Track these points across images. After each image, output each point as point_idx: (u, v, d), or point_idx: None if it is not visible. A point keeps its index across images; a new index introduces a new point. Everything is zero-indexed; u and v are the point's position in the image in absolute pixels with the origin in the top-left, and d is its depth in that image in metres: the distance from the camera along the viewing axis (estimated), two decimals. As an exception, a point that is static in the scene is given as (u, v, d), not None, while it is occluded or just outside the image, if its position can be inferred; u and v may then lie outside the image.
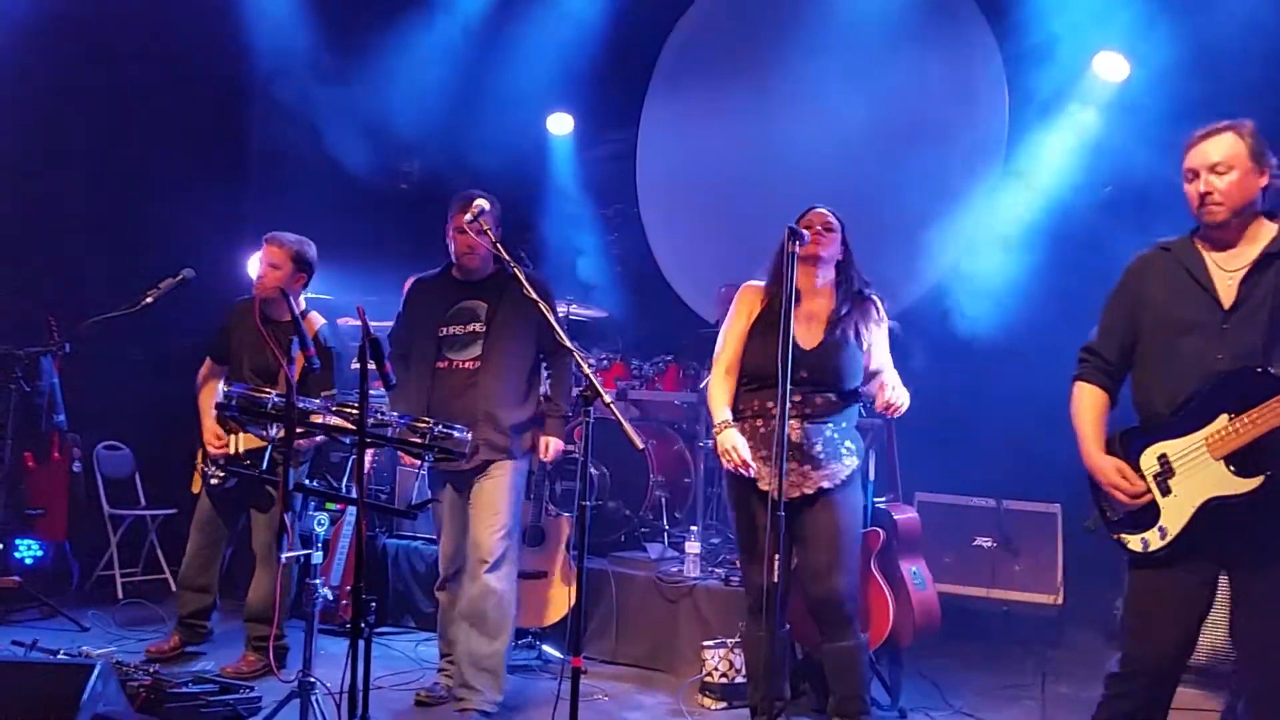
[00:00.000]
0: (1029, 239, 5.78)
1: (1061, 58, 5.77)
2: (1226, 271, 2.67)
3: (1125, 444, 2.77)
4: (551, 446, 4.00)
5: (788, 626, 3.60)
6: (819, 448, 3.38)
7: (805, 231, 3.34)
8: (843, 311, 3.52)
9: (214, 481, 4.36)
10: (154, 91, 6.19)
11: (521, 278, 3.30)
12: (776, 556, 3.07)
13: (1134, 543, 2.70)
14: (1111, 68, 5.76)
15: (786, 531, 3.37)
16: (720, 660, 4.20)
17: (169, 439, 5.43)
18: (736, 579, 4.69)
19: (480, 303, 3.95)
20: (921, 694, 4.36)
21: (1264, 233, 2.67)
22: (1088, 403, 2.86)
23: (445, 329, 3.94)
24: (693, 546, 4.89)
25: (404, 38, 7.20)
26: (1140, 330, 2.80)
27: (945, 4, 6.54)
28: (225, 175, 6.71)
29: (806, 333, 3.48)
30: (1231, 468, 2.54)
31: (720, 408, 3.51)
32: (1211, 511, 2.56)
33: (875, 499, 4.17)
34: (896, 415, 3.42)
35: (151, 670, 3.73)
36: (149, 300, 4.36)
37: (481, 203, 3.57)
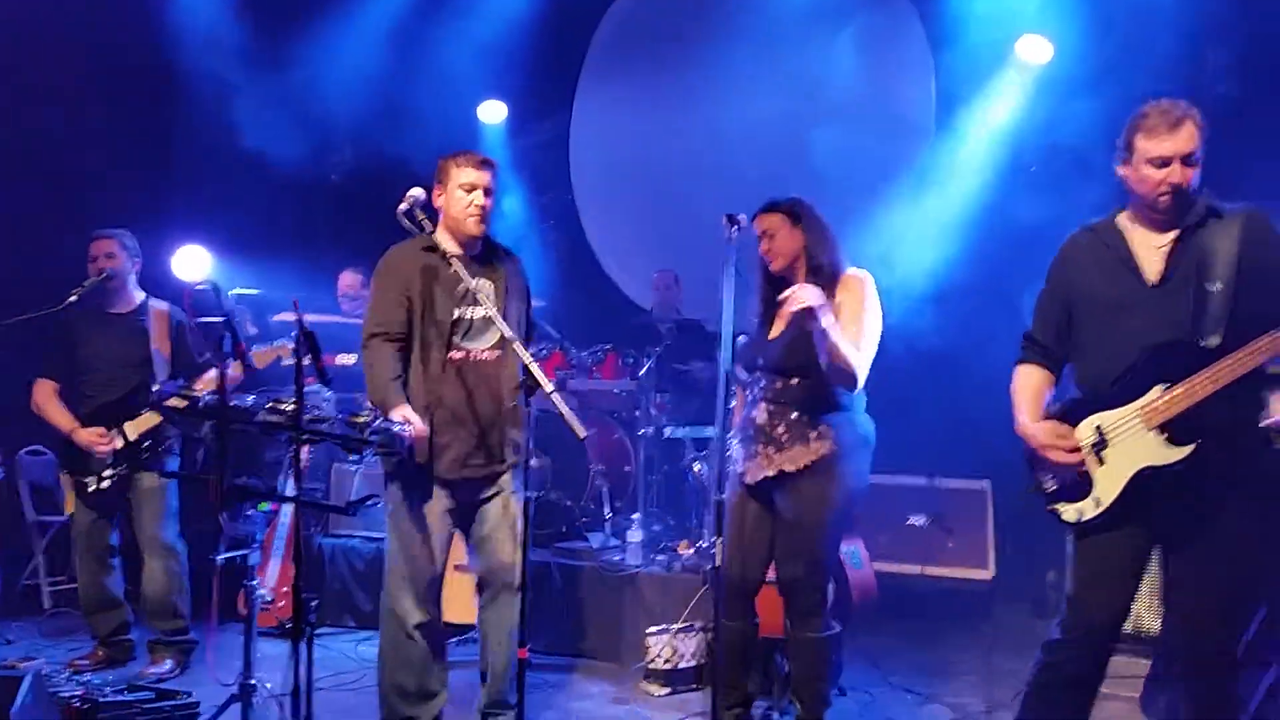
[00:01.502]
0: (957, 220, 5.91)
1: (985, 42, 5.90)
2: (1151, 248, 2.73)
3: (1061, 417, 2.81)
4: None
5: (757, 619, 3.57)
6: (780, 429, 3.37)
7: (743, 216, 3.35)
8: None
9: (105, 485, 4.29)
10: (72, 84, 6.00)
11: (513, 261, 3.35)
12: (719, 540, 3.10)
13: (1069, 513, 2.74)
14: (1034, 50, 5.91)
15: (766, 516, 3.42)
16: (664, 646, 4.24)
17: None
18: (679, 565, 4.73)
19: (487, 282, 3.45)
20: (861, 672, 4.45)
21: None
22: (1024, 380, 2.92)
23: (457, 312, 3.43)
24: (634, 535, 4.91)
25: (332, 26, 7.06)
26: (1073, 312, 2.86)
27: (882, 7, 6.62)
28: (148, 169, 6.53)
29: (780, 324, 3.46)
30: (1165, 437, 2.61)
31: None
32: (1145, 480, 2.62)
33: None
34: (790, 306, 3.20)
35: (83, 680, 3.64)
36: (72, 300, 4.23)
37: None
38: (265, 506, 4.92)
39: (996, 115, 5.99)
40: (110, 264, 4.36)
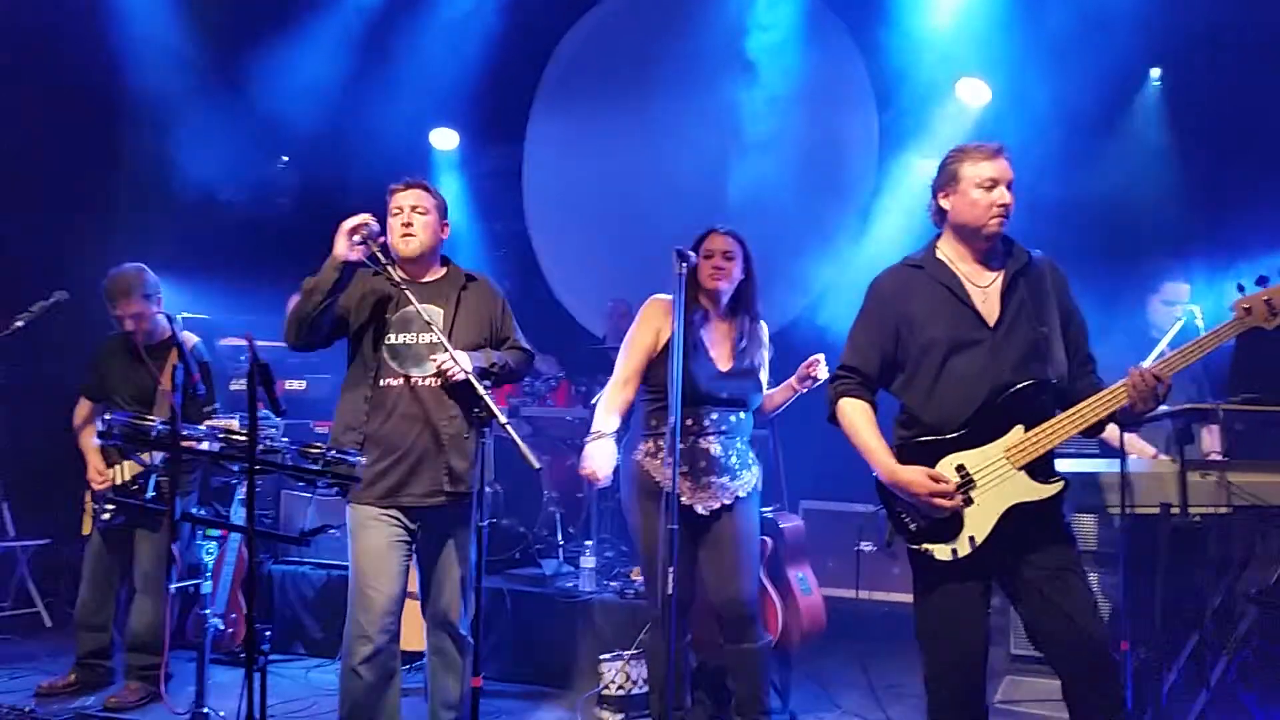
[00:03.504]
0: (899, 256, 6.06)
1: (925, 85, 6.09)
2: (979, 288, 2.81)
3: (906, 459, 2.77)
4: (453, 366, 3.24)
5: (689, 636, 3.69)
6: (733, 459, 3.57)
7: (692, 254, 3.40)
8: (743, 332, 3.63)
9: (105, 517, 4.27)
10: (20, 110, 5.93)
11: (483, 279, 3.35)
12: (671, 570, 3.15)
13: (943, 552, 2.72)
14: (973, 93, 6.11)
15: (692, 541, 3.50)
16: (617, 673, 4.26)
17: (39, 467, 5.21)
18: (631, 592, 4.77)
19: (434, 308, 3.36)
20: (811, 696, 4.52)
21: (1002, 248, 2.86)
22: (864, 417, 2.84)
23: (401, 338, 3.37)
24: (587, 561, 4.94)
25: (282, 52, 7.07)
26: (906, 348, 2.84)
27: (822, 39, 6.79)
28: (95, 194, 6.46)
29: (721, 356, 3.59)
30: (1030, 475, 2.70)
31: (603, 417, 3.53)
32: (1010, 517, 2.69)
33: (762, 508, 4.30)
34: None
35: (27, 710, 3.58)
36: (19, 324, 4.19)
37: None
38: (215, 532, 4.90)
39: (937, 156, 6.16)
40: (139, 325, 4.29)
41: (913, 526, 2.78)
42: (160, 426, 3.19)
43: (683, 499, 3.49)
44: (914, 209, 6.11)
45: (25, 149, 6.00)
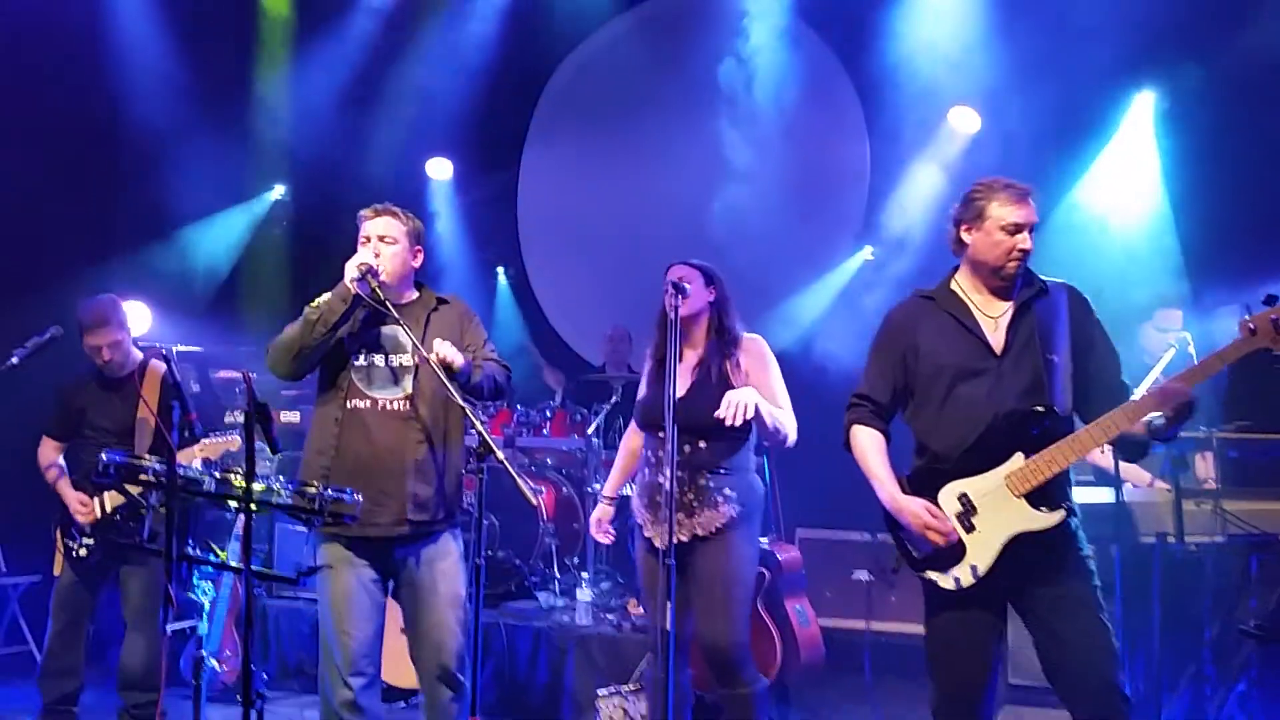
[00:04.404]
0: (891, 287, 6.12)
1: (919, 115, 6.15)
2: (990, 317, 2.85)
3: (916, 485, 2.83)
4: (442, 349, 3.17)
5: (690, 671, 3.63)
6: (690, 496, 3.41)
7: (686, 285, 3.43)
8: (709, 356, 3.53)
9: (82, 553, 4.21)
10: (14, 138, 5.94)
11: (455, 300, 3.32)
12: (669, 604, 3.14)
13: (946, 581, 2.75)
14: (964, 121, 6.17)
15: (680, 577, 3.46)
16: (614, 708, 4.24)
17: (30, 503, 5.17)
18: (629, 625, 4.75)
19: (399, 330, 3.28)
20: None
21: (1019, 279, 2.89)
22: (873, 445, 2.91)
23: (360, 358, 3.32)
24: (584, 593, 4.92)
25: (280, 80, 7.12)
26: (914, 377, 2.89)
27: (820, 77, 6.87)
28: (90, 224, 6.47)
29: (683, 381, 3.50)
30: (1031, 503, 2.70)
31: (611, 478, 3.88)
32: (1014, 545, 2.70)
33: (759, 539, 4.29)
34: (736, 420, 3.24)
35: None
36: (14, 361, 4.18)
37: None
38: (210, 570, 4.87)
39: (928, 183, 6.23)
40: (115, 354, 4.23)
41: (916, 554, 2.82)
42: (156, 466, 3.20)
43: (645, 531, 3.52)
44: (906, 231, 6.25)
45: (21, 182, 6.00)
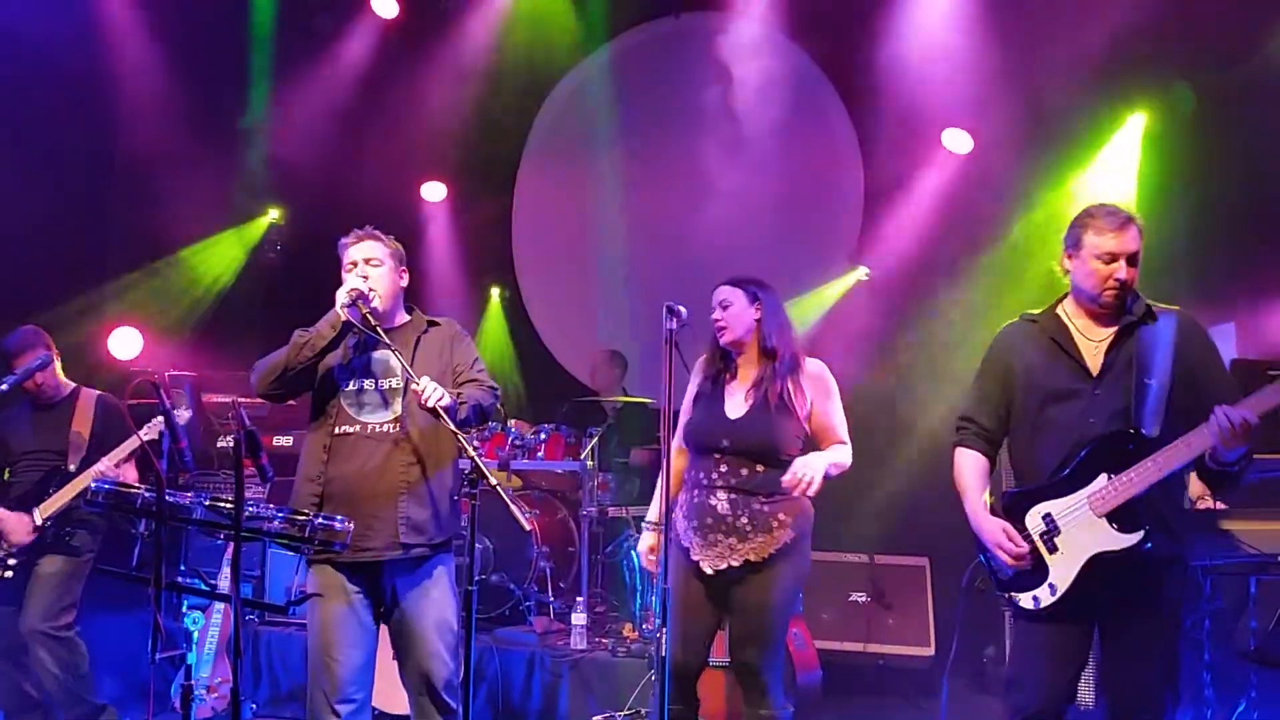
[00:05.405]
0: (889, 311, 6.12)
1: (912, 139, 6.17)
2: (1092, 341, 2.86)
3: (1009, 506, 2.87)
4: (432, 392, 3.08)
5: (697, 703, 3.56)
6: (744, 520, 3.30)
7: (682, 309, 3.39)
8: (763, 378, 3.43)
9: (7, 575, 4.15)
10: (11, 169, 5.94)
11: (446, 322, 3.29)
12: (664, 629, 3.11)
13: (1025, 600, 2.81)
14: (957, 142, 6.19)
15: (710, 600, 3.39)
16: (610, 734, 4.21)
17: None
18: (624, 650, 4.71)
19: (390, 354, 3.27)
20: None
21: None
22: (970, 466, 2.98)
23: (350, 384, 3.31)
24: (578, 617, 4.88)
25: (275, 104, 7.13)
26: (1013, 398, 2.94)
27: (811, 101, 6.90)
28: (83, 250, 6.46)
29: (736, 404, 3.43)
30: (1114, 525, 2.71)
31: (652, 506, 3.65)
32: (1095, 566, 2.72)
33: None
34: (808, 493, 3.21)
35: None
36: (3, 387, 4.16)
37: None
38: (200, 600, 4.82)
39: (924, 203, 6.24)
40: (48, 380, 4.35)
41: (1000, 574, 2.89)
42: (146, 494, 3.17)
43: (692, 554, 3.38)
44: (902, 252, 6.25)
45: (15, 207, 5.99)
